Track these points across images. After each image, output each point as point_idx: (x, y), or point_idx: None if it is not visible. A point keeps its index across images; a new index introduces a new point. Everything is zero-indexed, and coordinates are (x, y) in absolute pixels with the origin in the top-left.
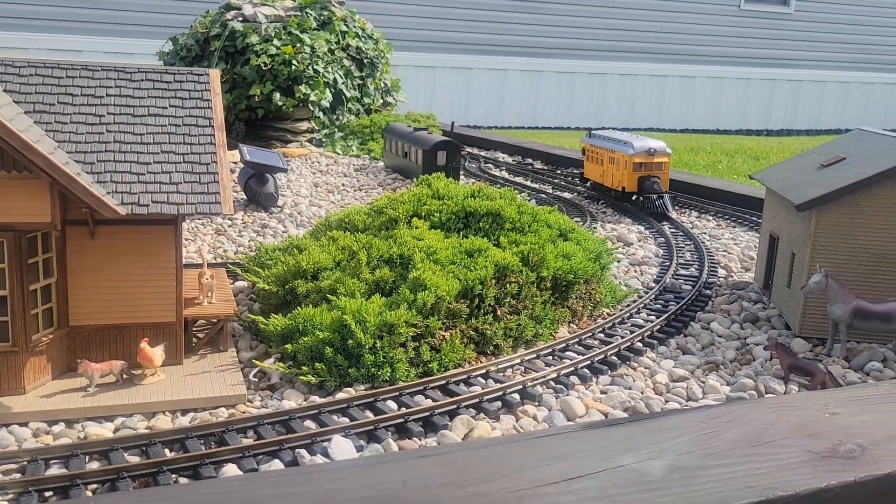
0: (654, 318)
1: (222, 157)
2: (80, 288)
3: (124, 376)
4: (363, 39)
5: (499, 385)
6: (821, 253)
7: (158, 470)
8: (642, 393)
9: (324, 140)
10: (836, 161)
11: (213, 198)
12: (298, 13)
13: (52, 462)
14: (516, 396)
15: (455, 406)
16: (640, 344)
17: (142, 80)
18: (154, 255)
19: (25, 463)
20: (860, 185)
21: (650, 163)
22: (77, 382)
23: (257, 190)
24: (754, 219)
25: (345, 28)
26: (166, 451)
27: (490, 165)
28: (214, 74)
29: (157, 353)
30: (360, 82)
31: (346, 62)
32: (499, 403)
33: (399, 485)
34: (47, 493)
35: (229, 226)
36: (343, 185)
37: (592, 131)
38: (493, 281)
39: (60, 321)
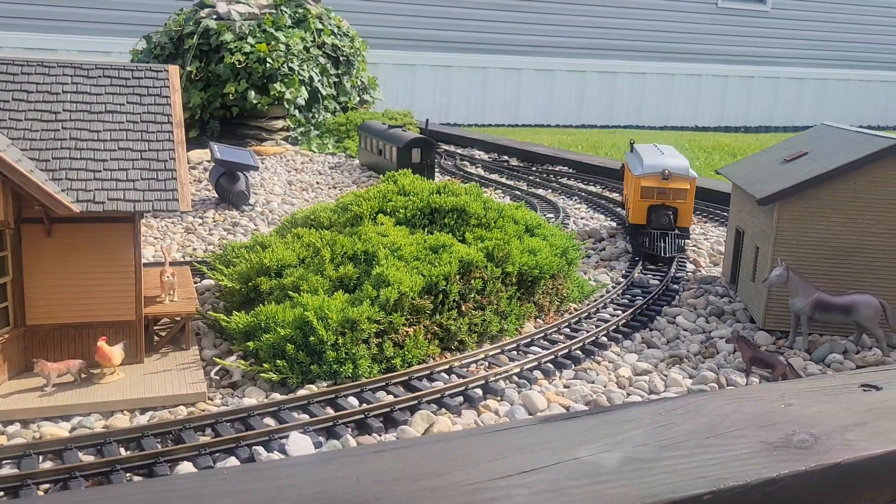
0: (620, 312)
1: (181, 154)
2: (37, 286)
3: (83, 375)
4: (339, 37)
5: (461, 380)
6: (783, 246)
7: (112, 469)
8: (605, 387)
9: (299, 138)
10: (798, 156)
11: (171, 195)
12: (273, 11)
13: (3, 462)
14: (478, 391)
15: (416, 402)
16: (605, 338)
17: (99, 76)
18: (112, 252)
19: None
20: (820, 179)
21: (664, 189)
22: (34, 382)
23: (228, 188)
24: (725, 214)
25: (320, 26)
26: (121, 449)
27: (466, 163)
28: (173, 71)
29: (116, 352)
30: (337, 80)
31: (322, 60)
32: (461, 398)
33: (352, 480)
34: None
35: (199, 224)
36: (317, 182)
37: (635, 145)
38: (458, 277)
39: (17, 320)
